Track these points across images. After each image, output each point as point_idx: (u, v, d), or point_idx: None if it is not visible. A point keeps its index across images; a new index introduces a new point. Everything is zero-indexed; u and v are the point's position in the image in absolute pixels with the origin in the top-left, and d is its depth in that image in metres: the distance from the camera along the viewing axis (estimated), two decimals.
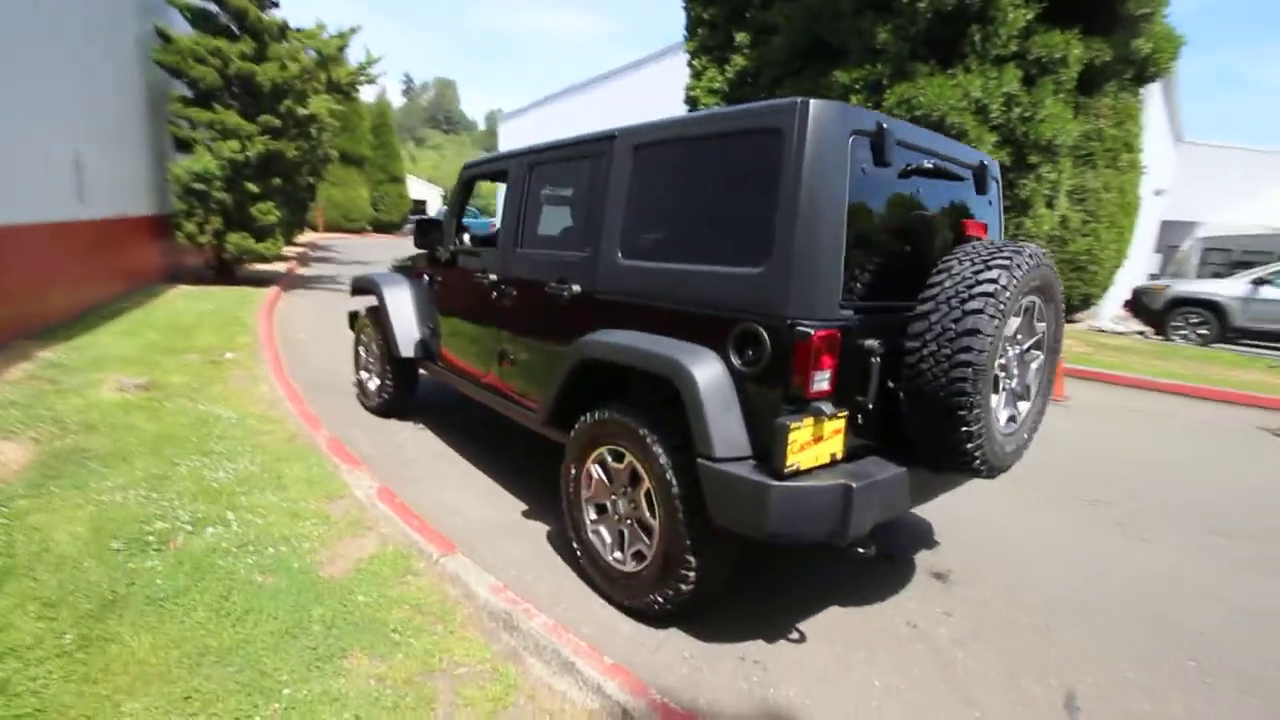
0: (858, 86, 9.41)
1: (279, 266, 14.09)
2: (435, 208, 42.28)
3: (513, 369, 3.45)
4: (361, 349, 5.17)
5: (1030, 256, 2.18)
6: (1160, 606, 2.92)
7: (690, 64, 13.09)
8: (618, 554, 2.67)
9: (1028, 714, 2.19)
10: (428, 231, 4.10)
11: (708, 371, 2.22)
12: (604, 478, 2.72)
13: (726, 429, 2.17)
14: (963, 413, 2.09)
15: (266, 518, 3.07)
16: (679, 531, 2.34)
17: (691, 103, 12.94)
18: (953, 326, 2.08)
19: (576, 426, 2.78)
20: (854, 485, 2.06)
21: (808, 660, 2.40)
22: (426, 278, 4.40)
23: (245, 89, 10.86)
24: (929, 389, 2.12)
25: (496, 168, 3.79)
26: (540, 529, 3.30)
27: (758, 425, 2.17)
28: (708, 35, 12.69)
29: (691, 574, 2.35)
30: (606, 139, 2.85)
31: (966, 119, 8.79)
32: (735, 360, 2.22)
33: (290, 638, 2.24)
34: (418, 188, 43.28)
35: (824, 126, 2.07)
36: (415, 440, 4.57)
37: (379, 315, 4.65)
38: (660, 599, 2.46)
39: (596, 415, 2.66)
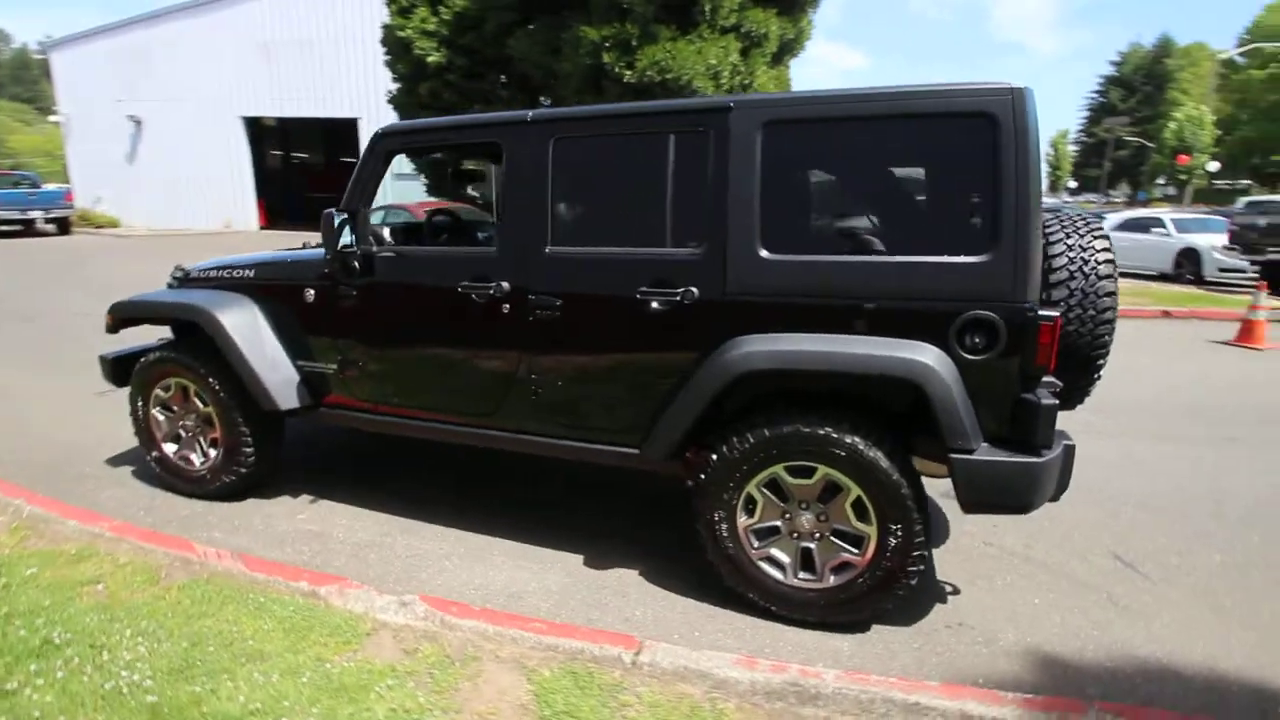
0: (608, 44, 9.42)
1: None
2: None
3: (554, 402, 2.74)
4: (157, 412, 3.45)
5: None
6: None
7: None
8: (804, 574, 2.47)
9: None
10: (335, 227, 2.86)
11: (943, 366, 2.17)
12: (773, 499, 2.45)
13: (970, 419, 2.18)
14: (1101, 361, 2.49)
15: None
16: (912, 532, 2.28)
17: (402, 44, 11.28)
18: (1093, 291, 2.42)
19: (726, 452, 2.42)
20: (1073, 443, 2.30)
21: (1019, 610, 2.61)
22: (313, 293, 3.11)
23: None
24: (1076, 345, 2.45)
25: (461, 140, 2.85)
26: (646, 580, 2.79)
27: (988, 409, 2.22)
28: None
29: (919, 568, 2.34)
30: (713, 110, 2.39)
31: (708, 85, 9.63)
32: (958, 349, 2.21)
33: None
34: None
35: (1032, 112, 2.13)
36: (329, 518, 3.32)
37: (219, 355, 3.14)
38: (882, 603, 2.39)
39: (769, 433, 2.35)
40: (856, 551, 2.39)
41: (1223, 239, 12.91)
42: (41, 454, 3.98)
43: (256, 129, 23.40)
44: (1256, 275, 11.19)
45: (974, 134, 2.13)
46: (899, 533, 2.30)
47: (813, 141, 2.34)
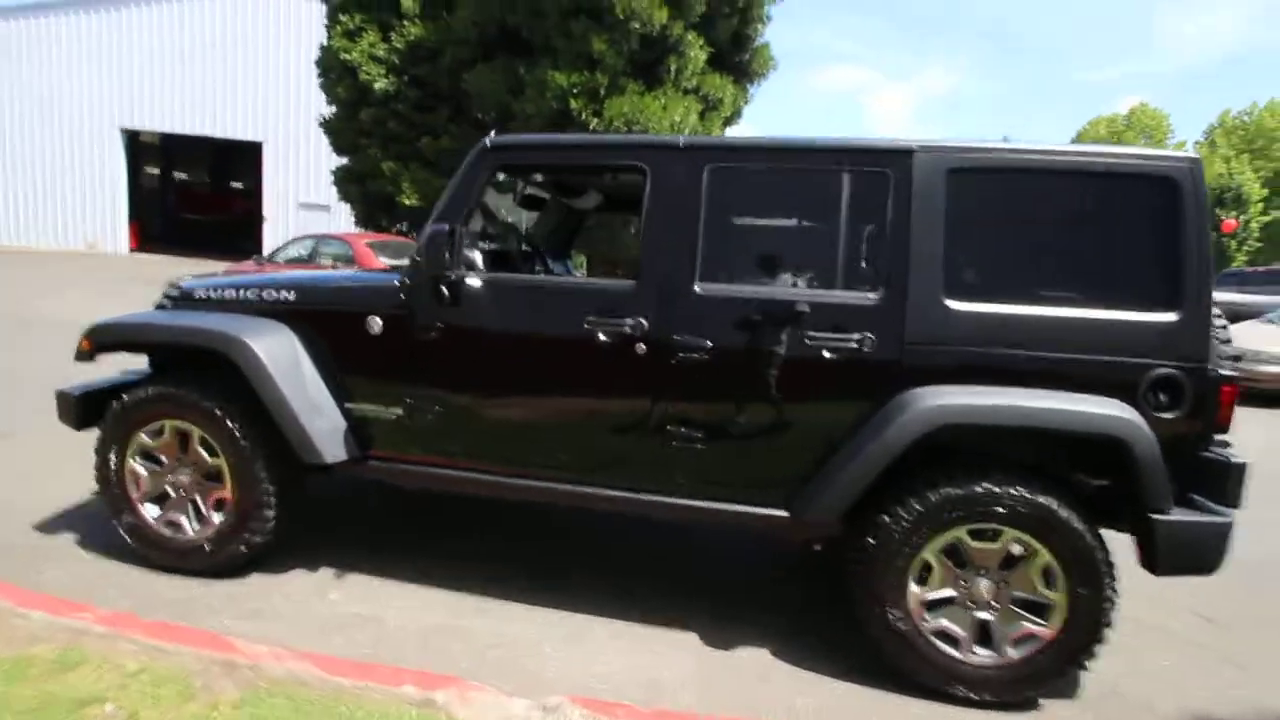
0: (576, 91, 9.38)
1: None
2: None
3: (690, 458, 2.43)
4: (138, 464, 2.73)
5: None
6: None
7: (337, 19, 10.71)
8: (981, 649, 2.28)
9: None
10: (446, 243, 2.41)
11: (1143, 424, 2.12)
12: (950, 566, 2.27)
13: (1166, 479, 2.14)
14: None
15: None
16: (1103, 598, 2.18)
17: (345, 68, 10.64)
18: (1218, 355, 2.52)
19: (902, 513, 2.23)
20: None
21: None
22: (381, 324, 2.61)
23: None
24: None
25: (591, 160, 2.55)
26: (782, 659, 2.46)
27: (1173, 469, 2.20)
28: None
29: (1102, 634, 2.23)
30: (894, 153, 2.29)
31: None
32: (1146, 407, 2.18)
33: None
34: None
35: (1203, 181, 2.21)
36: (371, 597, 2.72)
37: (240, 393, 2.55)
38: (1062, 677, 2.25)
39: (956, 492, 2.19)
40: (1042, 622, 2.24)
41: None
42: None
43: (135, 144, 21.04)
44: None
45: (1159, 196, 2.17)
46: (1090, 600, 2.19)
47: (999, 192, 2.29)
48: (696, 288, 2.39)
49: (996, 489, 2.18)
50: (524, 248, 3.35)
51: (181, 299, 2.93)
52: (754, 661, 2.47)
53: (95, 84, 19.38)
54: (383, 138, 10.85)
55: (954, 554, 2.28)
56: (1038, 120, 73.98)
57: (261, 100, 19.16)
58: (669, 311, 2.39)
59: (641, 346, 2.40)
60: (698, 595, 2.91)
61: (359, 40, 10.44)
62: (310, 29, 12.01)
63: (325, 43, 11.10)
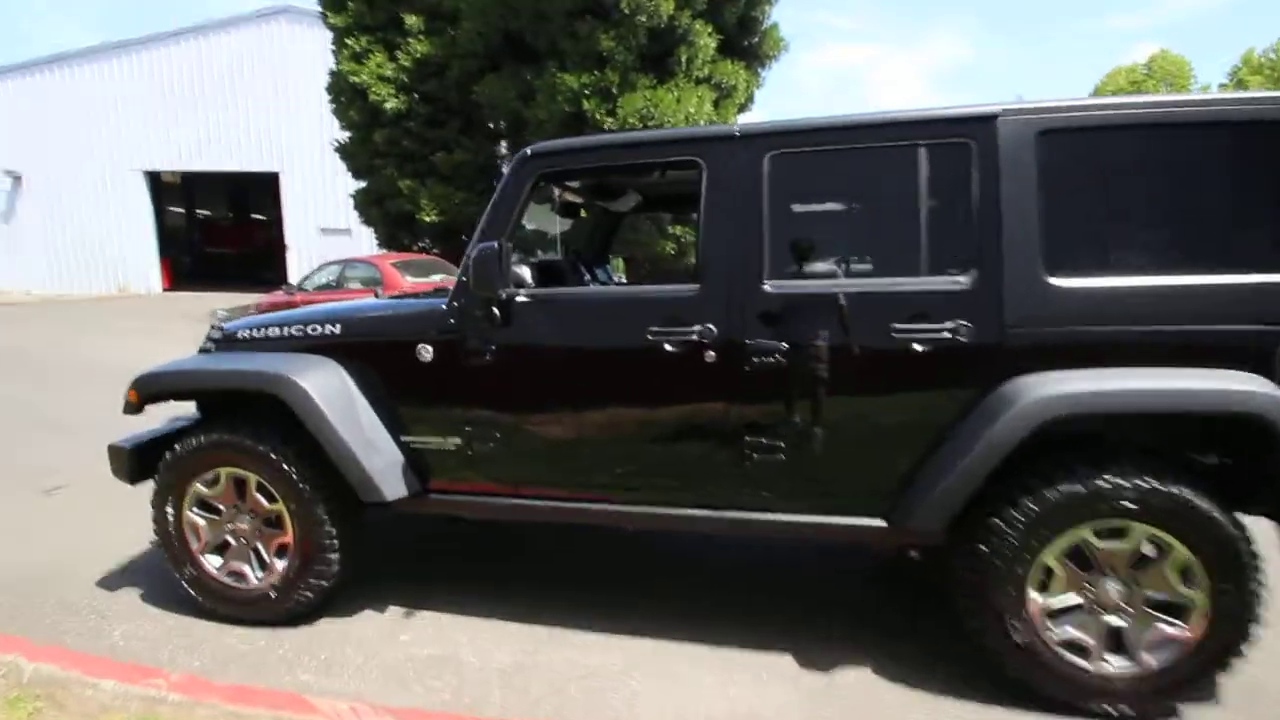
0: (587, 92, 9.23)
1: None
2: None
3: (772, 470, 2.25)
4: (195, 514, 2.65)
5: None
6: None
7: (344, 43, 10.70)
8: (1114, 657, 2.07)
9: None
10: (497, 261, 2.27)
11: None
12: (1075, 569, 2.07)
13: None
14: None
15: None
16: (1249, 593, 1.96)
17: (355, 91, 10.63)
18: None
19: (1017, 515, 2.03)
20: None
21: None
22: (431, 351, 2.48)
23: None
24: None
25: (640, 159, 2.39)
26: (888, 679, 2.28)
27: None
28: (365, 12, 10.58)
29: (1250, 633, 2.01)
30: (976, 120, 2.08)
31: None
32: None
33: None
34: None
35: None
36: (443, 636, 2.60)
37: (294, 434, 2.44)
38: (1208, 681, 2.03)
39: (1078, 488, 1.98)
40: (1182, 624, 2.02)
41: None
42: None
43: (157, 184, 21.45)
44: None
45: None
46: (1235, 596, 1.97)
47: (1099, 152, 2.07)
48: (766, 286, 2.21)
49: (1123, 481, 1.97)
50: (568, 257, 3.20)
51: (225, 341, 2.84)
52: (858, 683, 2.29)
53: (116, 129, 19.77)
54: (398, 157, 10.82)
55: (1078, 556, 2.07)
56: (1054, 81, 72.03)
57: (276, 131, 19.33)
58: (738, 314, 2.22)
59: (711, 354, 2.23)
60: (779, 612, 2.74)
61: (366, 62, 10.42)
62: (317, 56, 12.00)
63: (334, 67, 11.11)
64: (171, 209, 24.49)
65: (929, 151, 2.14)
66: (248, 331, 2.80)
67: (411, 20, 10.29)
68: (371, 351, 2.58)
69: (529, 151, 2.43)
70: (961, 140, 2.10)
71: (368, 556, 3.01)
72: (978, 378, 2.08)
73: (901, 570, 3.12)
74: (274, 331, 2.74)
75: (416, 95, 10.47)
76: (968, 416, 2.08)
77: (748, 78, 10.89)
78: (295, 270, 17.85)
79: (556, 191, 3.17)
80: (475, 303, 2.38)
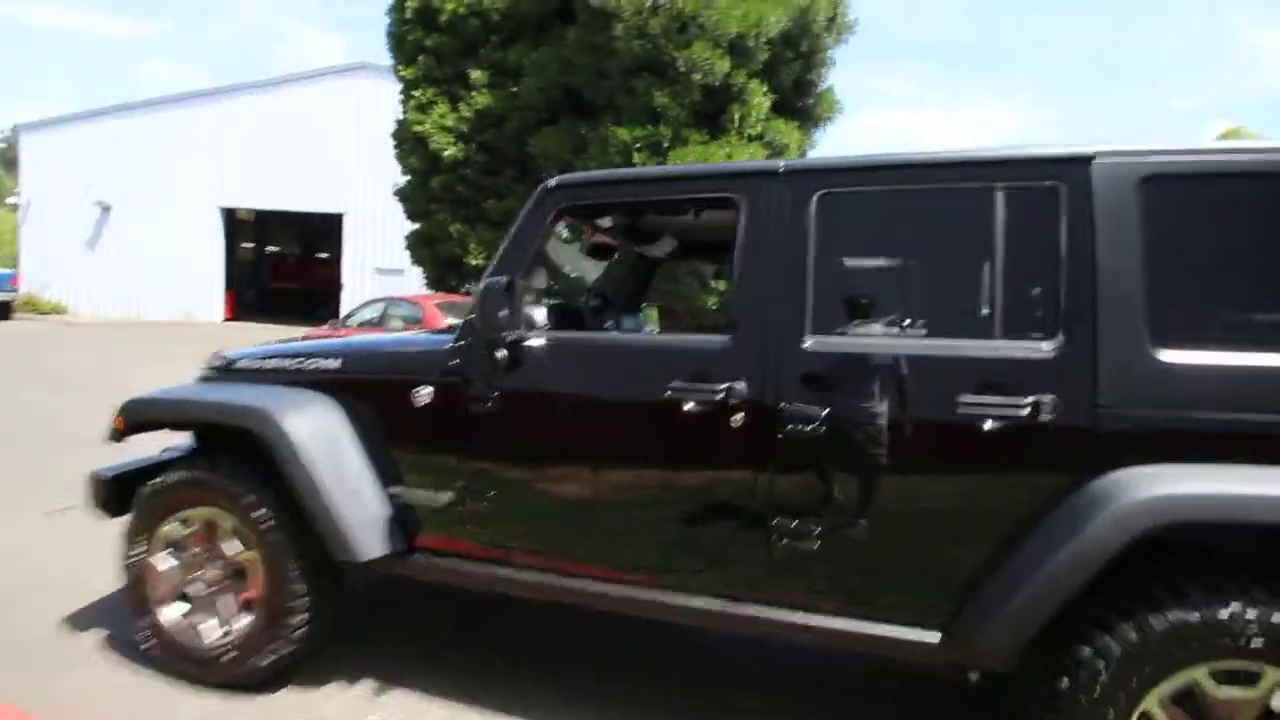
0: (639, 145, 9.28)
1: None
2: None
3: (804, 559, 1.89)
4: (159, 559, 2.42)
5: None
6: None
7: (410, 94, 11.16)
8: None
9: None
10: (502, 298, 2.04)
11: None
12: (1185, 718, 1.62)
13: None
14: None
15: None
16: None
17: (417, 139, 11.01)
18: None
19: (1112, 644, 1.61)
20: None
21: None
22: (430, 393, 2.24)
23: None
24: None
25: (670, 195, 2.17)
26: None
27: None
28: (434, 65, 11.02)
29: None
30: (1066, 161, 1.78)
31: None
32: None
33: None
34: None
35: None
36: (417, 715, 2.27)
37: (287, 481, 2.20)
38: None
39: (1195, 617, 1.56)
40: None
41: None
42: None
43: (231, 221, 22.74)
44: None
45: None
46: None
47: (1217, 203, 1.74)
48: (806, 343, 1.90)
49: (1251, 611, 1.54)
50: (591, 303, 2.97)
51: (224, 370, 2.68)
52: None
53: (197, 169, 21.15)
54: (452, 202, 11.06)
55: (1187, 701, 1.62)
56: None
57: (343, 175, 20.35)
58: (772, 373, 1.91)
59: (738, 417, 1.92)
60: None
61: (430, 112, 10.81)
62: (387, 107, 12.58)
63: (400, 117, 11.58)
64: (243, 244, 25.88)
65: (1008, 195, 1.82)
66: (247, 361, 2.63)
67: (476, 74, 10.68)
68: (367, 390, 2.37)
69: (551, 183, 2.23)
70: (1049, 184, 1.79)
71: (349, 616, 2.72)
72: (1064, 467, 1.71)
73: (947, 693, 2.63)
74: (272, 363, 2.56)
75: (475, 144, 10.76)
76: (1051, 514, 1.69)
77: (800, 138, 10.81)
78: (348, 307, 18.39)
79: (586, 232, 2.98)
80: (480, 343, 2.15)
